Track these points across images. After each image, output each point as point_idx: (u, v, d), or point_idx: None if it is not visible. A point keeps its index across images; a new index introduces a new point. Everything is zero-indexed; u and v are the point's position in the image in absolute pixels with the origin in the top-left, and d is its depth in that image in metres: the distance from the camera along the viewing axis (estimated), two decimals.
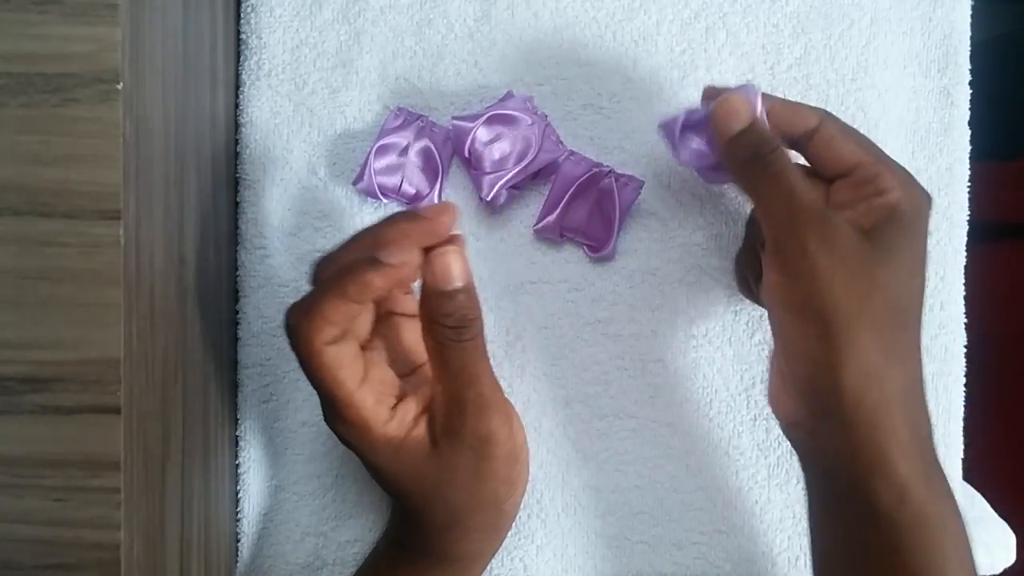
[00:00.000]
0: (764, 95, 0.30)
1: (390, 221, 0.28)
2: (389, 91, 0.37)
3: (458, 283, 0.27)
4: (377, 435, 0.28)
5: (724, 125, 0.29)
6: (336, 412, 0.28)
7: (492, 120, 0.35)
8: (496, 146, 0.36)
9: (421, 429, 0.29)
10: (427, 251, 0.28)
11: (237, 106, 0.38)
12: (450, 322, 0.27)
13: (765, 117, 0.30)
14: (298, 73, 0.37)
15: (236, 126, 0.38)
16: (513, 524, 0.37)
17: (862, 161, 0.29)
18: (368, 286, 0.27)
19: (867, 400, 0.27)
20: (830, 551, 0.30)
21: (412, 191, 0.36)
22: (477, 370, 0.28)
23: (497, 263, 0.37)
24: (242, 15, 0.38)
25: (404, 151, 0.36)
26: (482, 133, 0.35)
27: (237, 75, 0.38)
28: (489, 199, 0.35)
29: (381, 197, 0.36)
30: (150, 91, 0.27)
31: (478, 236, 0.37)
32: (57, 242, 0.25)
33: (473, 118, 0.35)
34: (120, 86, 0.25)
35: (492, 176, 0.35)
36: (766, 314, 0.37)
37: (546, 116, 0.36)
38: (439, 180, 0.36)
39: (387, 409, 0.29)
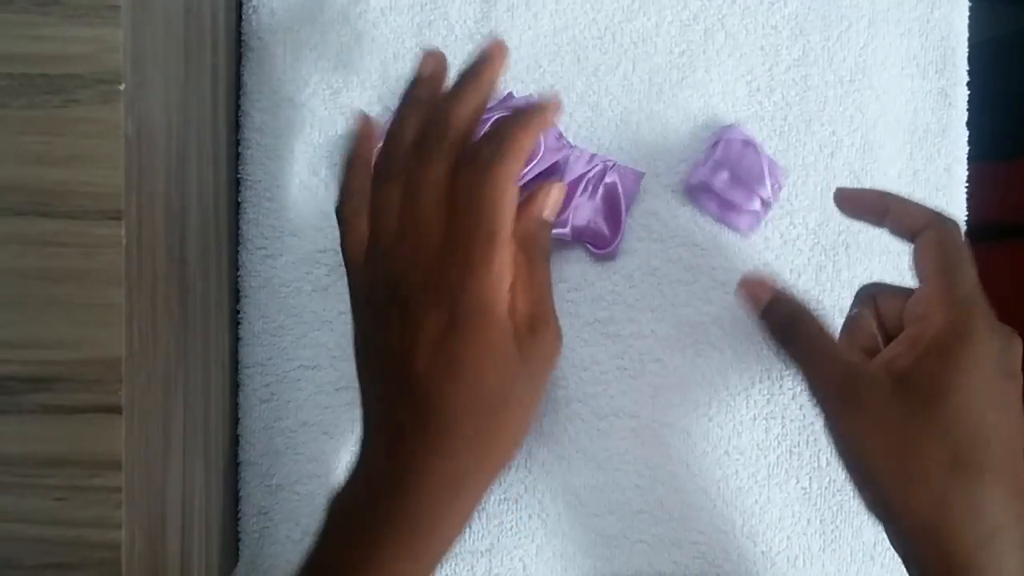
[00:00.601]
0: (889, 195, 0.30)
1: (528, 114, 0.28)
2: (390, 92, 0.37)
3: (550, 216, 0.30)
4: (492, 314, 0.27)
5: (751, 303, 0.31)
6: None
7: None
8: None
9: (511, 322, 0.28)
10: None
11: (238, 107, 0.38)
12: (545, 244, 0.30)
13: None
14: (299, 74, 0.37)
15: (237, 127, 0.38)
16: (510, 521, 0.37)
17: (927, 278, 0.28)
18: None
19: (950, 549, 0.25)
20: None
21: None
22: (550, 291, 0.30)
23: None
24: (243, 16, 0.38)
25: None
26: None
27: (238, 76, 0.38)
28: None
29: None
30: (152, 92, 0.27)
31: None
32: (59, 242, 0.25)
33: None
34: (122, 87, 0.25)
35: None
36: None
37: None
38: None
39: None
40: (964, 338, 0.26)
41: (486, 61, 0.29)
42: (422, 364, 0.27)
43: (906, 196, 0.30)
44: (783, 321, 0.30)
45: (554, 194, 0.30)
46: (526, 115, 0.28)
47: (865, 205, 0.31)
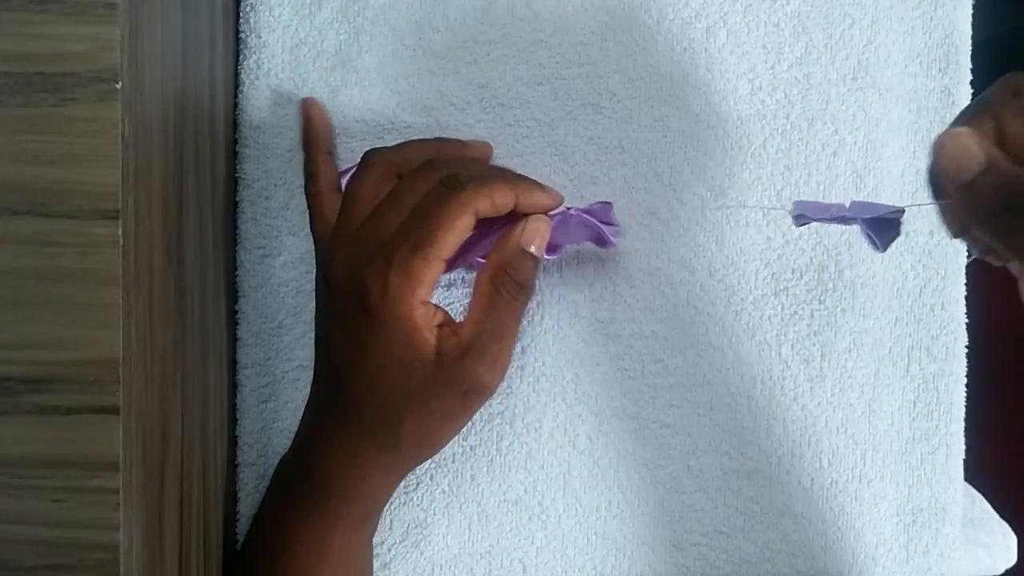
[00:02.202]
0: (1007, 109, 0.25)
1: (528, 184, 0.30)
2: (389, 91, 0.37)
3: (536, 251, 0.30)
4: (407, 318, 0.29)
5: (955, 169, 0.24)
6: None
7: None
8: None
9: (433, 337, 0.29)
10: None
11: (236, 105, 0.37)
12: (519, 278, 0.30)
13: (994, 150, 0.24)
14: (297, 72, 0.37)
15: (235, 126, 0.38)
16: (510, 523, 0.37)
17: None
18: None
19: None
20: None
21: None
22: (511, 330, 0.30)
23: None
24: (241, 14, 0.37)
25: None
26: None
27: (236, 74, 0.38)
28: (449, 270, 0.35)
29: None
30: (149, 90, 0.27)
31: None
32: (56, 242, 0.25)
33: None
34: (119, 85, 0.25)
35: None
36: (765, 316, 0.37)
37: None
38: None
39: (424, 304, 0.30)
40: None
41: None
42: (339, 343, 0.30)
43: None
44: (1003, 200, 0.24)
45: (535, 226, 0.30)
46: (527, 184, 0.30)
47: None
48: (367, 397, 0.30)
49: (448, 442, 0.32)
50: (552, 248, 0.34)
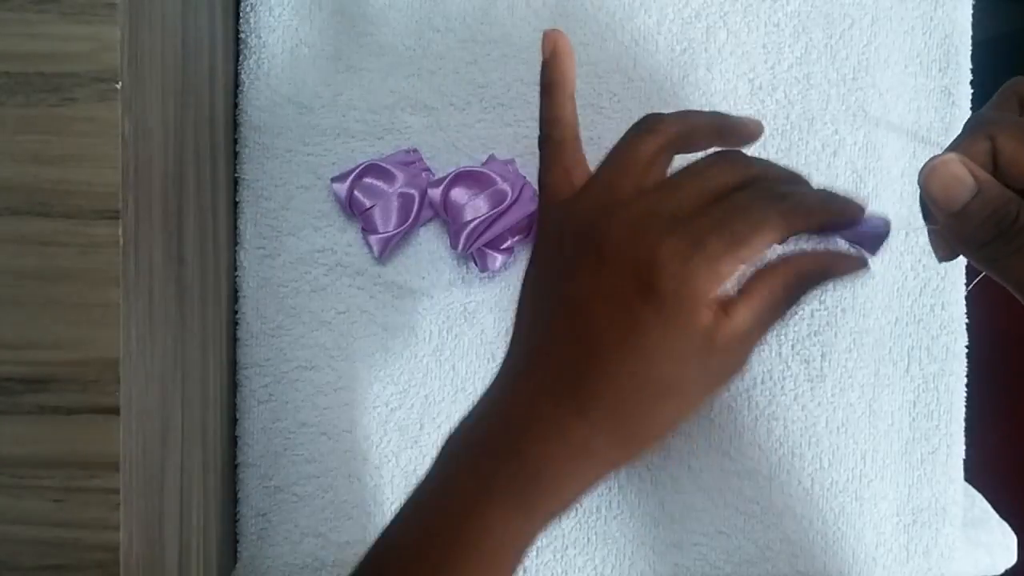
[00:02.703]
0: (1002, 129, 0.25)
1: (839, 203, 0.26)
2: (389, 90, 0.37)
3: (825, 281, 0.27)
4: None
5: (943, 198, 0.24)
6: None
7: (465, 180, 0.35)
8: (471, 204, 0.36)
9: (711, 319, 0.26)
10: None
11: (236, 106, 0.37)
12: (800, 294, 0.27)
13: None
14: (297, 73, 0.37)
15: (235, 126, 0.38)
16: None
17: None
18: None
19: None
20: None
21: (376, 220, 0.36)
22: (773, 326, 0.27)
23: (500, 278, 0.37)
24: (241, 15, 0.37)
25: (392, 183, 0.36)
26: (458, 194, 0.35)
27: (236, 75, 0.38)
28: (460, 250, 0.35)
29: (347, 206, 0.36)
30: (149, 91, 0.27)
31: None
32: (56, 242, 0.25)
33: (442, 179, 0.35)
34: (119, 85, 0.25)
35: (466, 227, 0.35)
36: None
37: (524, 177, 0.36)
38: (403, 227, 0.36)
39: None
40: None
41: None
42: (604, 321, 0.26)
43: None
44: (992, 229, 0.24)
45: (855, 265, 0.27)
46: (840, 202, 0.26)
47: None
48: (627, 389, 0.26)
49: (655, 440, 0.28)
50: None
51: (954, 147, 0.25)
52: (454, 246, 0.35)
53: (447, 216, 0.36)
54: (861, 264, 0.27)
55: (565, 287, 0.27)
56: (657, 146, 0.28)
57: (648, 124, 0.28)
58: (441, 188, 0.35)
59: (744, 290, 0.26)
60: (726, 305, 0.26)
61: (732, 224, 0.25)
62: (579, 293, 0.27)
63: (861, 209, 0.27)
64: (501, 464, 0.27)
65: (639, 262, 0.25)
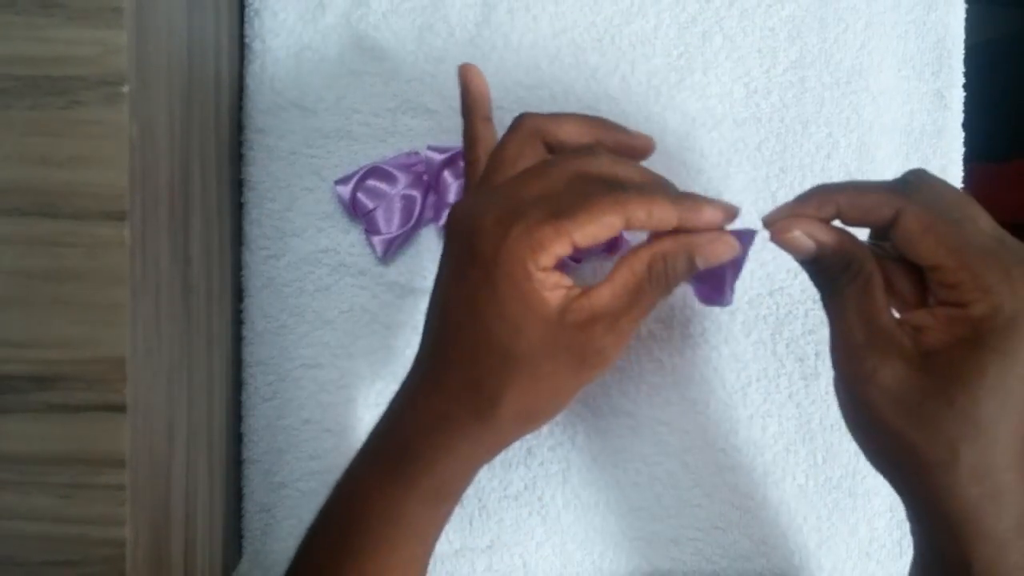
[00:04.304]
0: (838, 189, 0.27)
1: (695, 201, 0.28)
2: (391, 94, 0.38)
3: (701, 264, 0.28)
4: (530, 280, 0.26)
5: (791, 250, 0.27)
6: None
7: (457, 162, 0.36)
8: (457, 184, 0.36)
9: (557, 298, 0.27)
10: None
11: (241, 109, 0.38)
12: (672, 277, 0.28)
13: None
14: (301, 77, 0.37)
15: (240, 128, 0.38)
16: (510, 518, 0.37)
17: (941, 265, 0.25)
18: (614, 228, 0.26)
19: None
20: None
21: (379, 223, 0.37)
22: (644, 313, 0.28)
23: None
24: (245, 19, 0.38)
25: (394, 185, 0.37)
26: (448, 175, 0.36)
27: (241, 78, 0.38)
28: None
29: (350, 208, 0.37)
30: (155, 93, 0.28)
31: None
32: (64, 243, 0.25)
33: (444, 162, 0.36)
34: (126, 89, 0.25)
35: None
36: (760, 315, 0.38)
37: None
38: (405, 228, 0.37)
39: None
40: (1010, 332, 0.24)
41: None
42: (451, 299, 0.28)
43: None
44: (842, 266, 0.26)
45: (721, 249, 0.28)
46: (694, 201, 0.28)
47: (807, 216, 0.27)
48: (469, 357, 0.27)
49: (545, 422, 0.29)
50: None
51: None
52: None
53: (436, 194, 0.36)
54: (730, 246, 0.28)
55: (437, 276, 0.29)
56: (519, 141, 0.30)
57: (515, 122, 0.30)
58: (436, 165, 0.36)
59: (608, 274, 0.28)
60: (589, 288, 0.27)
61: (559, 199, 0.27)
62: (441, 276, 0.29)
63: (727, 214, 0.28)
64: (381, 441, 0.30)
65: (470, 236, 0.27)
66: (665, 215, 0.27)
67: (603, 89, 0.38)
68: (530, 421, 0.29)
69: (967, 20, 0.39)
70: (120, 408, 0.26)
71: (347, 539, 0.29)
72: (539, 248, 0.26)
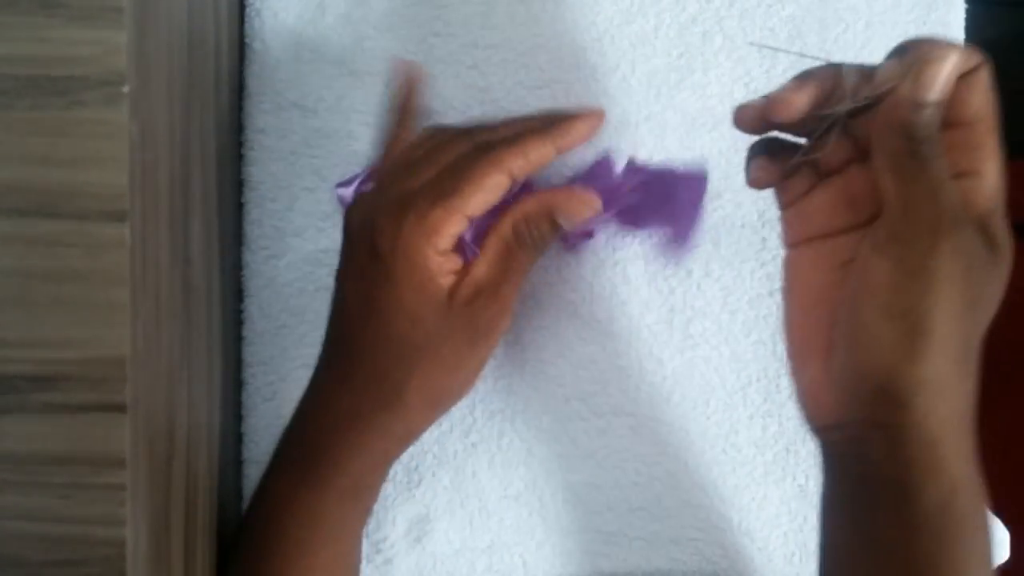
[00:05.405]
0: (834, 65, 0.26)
1: (563, 123, 0.30)
2: (392, 95, 0.38)
3: (566, 224, 0.29)
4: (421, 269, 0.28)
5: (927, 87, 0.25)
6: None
7: None
8: None
9: (447, 283, 0.28)
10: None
11: (241, 109, 0.38)
12: (539, 239, 0.29)
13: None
14: (301, 77, 0.38)
15: (240, 129, 0.38)
16: (511, 518, 0.37)
17: (987, 116, 0.25)
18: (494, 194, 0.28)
19: (936, 413, 0.25)
20: (854, 550, 0.28)
21: None
22: (521, 276, 0.29)
23: None
24: (245, 19, 0.38)
25: None
26: None
27: (241, 79, 0.38)
28: None
29: None
30: (156, 94, 0.28)
31: None
32: (64, 243, 0.25)
33: None
34: (126, 89, 0.25)
35: None
36: (760, 315, 0.38)
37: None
38: None
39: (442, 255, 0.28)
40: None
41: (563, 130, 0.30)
42: (347, 295, 0.29)
43: None
44: (906, 141, 0.24)
45: (579, 204, 0.29)
46: (562, 124, 0.29)
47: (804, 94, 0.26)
48: (372, 351, 0.28)
49: (453, 403, 0.30)
50: (585, 234, 0.33)
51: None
52: None
53: None
54: (586, 203, 0.29)
55: (337, 276, 0.30)
56: (402, 135, 0.31)
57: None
58: None
59: (481, 246, 0.29)
60: (468, 265, 0.29)
61: (441, 182, 0.28)
62: (340, 275, 0.30)
63: (594, 118, 0.29)
64: (293, 446, 0.31)
65: (368, 234, 0.28)
66: (541, 152, 0.28)
67: (603, 89, 0.38)
68: (438, 405, 0.30)
69: (967, 20, 0.39)
70: (120, 408, 0.26)
71: (268, 546, 0.30)
72: (433, 233, 0.27)
